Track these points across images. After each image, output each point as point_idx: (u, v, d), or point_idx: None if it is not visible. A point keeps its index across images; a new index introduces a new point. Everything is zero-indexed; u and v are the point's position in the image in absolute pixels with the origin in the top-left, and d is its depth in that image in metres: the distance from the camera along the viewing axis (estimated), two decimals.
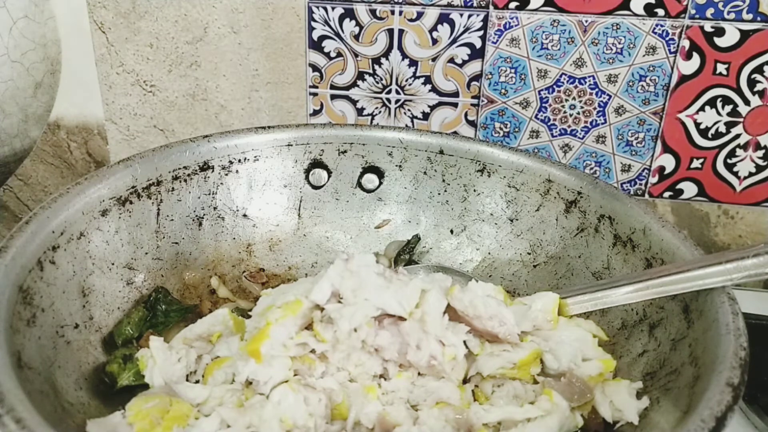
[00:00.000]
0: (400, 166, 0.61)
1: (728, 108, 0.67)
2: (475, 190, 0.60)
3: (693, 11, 0.64)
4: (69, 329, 0.43)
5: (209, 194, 0.57)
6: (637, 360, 0.45)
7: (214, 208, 0.57)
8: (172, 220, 0.54)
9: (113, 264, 0.49)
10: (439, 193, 0.61)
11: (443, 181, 0.60)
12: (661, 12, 0.64)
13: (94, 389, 0.43)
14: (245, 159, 0.58)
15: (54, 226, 0.44)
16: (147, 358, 0.44)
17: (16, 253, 0.40)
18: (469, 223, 0.60)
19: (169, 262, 0.54)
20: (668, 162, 0.71)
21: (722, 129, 0.68)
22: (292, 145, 0.60)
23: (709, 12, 0.64)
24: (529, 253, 0.57)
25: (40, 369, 0.38)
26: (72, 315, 0.44)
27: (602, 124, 0.70)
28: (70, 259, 0.45)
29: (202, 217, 0.57)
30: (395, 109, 0.73)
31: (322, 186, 0.61)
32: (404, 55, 0.70)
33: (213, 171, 0.57)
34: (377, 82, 0.71)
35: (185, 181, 0.55)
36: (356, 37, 0.70)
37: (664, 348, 0.43)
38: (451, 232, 0.61)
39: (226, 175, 0.58)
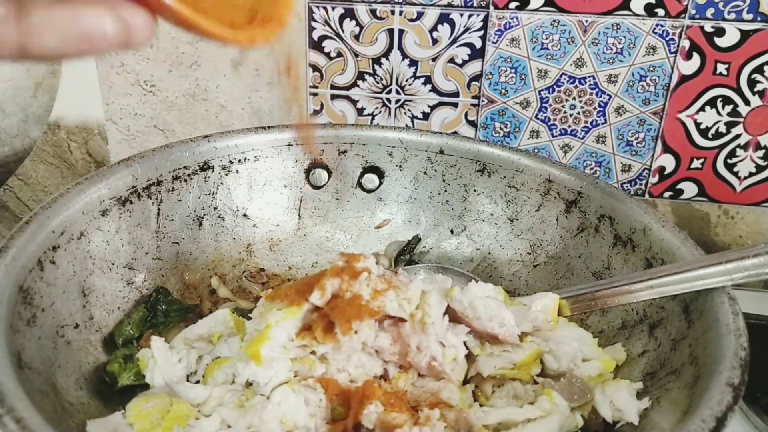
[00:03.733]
0: (400, 166, 0.61)
1: (728, 108, 0.67)
2: (475, 190, 0.60)
3: (693, 11, 0.64)
4: (69, 329, 0.43)
5: (209, 194, 0.57)
6: (637, 360, 0.45)
7: (215, 208, 0.57)
8: (173, 220, 0.54)
9: (113, 264, 0.49)
10: (439, 193, 0.61)
11: (443, 181, 0.60)
12: (661, 12, 0.64)
13: (94, 389, 0.43)
14: (245, 159, 0.58)
15: (54, 226, 0.44)
16: (147, 358, 0.44)
17: (16, 253, 0.40)
18: (469, 223, 0.60)
19: (170, 262, 0.54)
20: (668, 162, 0.71)
21: (722, 129, 0.68)
22: (292, 145, 0.60)
23: (710, 12, 0.64)
24: (529, 253, 0.57)
25: (40, 369, 0.38)
26: (72, 315, 0.44)
27: (602, 124, 0.70)
28: (71, 259, 0.45)
29: (203, 217, 0.57)
30: (395, 109, 0.72)
31: (322, 186, 0.61)
32: (404, 55, 0.70)
33: (213, 171, 0.57)
34: (377, 82, 0.71)
35: (185, 181, 0.55)
36: (356, 37, 0.70)
37: (664, 348, 0.43)
38: (451, 232, 0.61)
39: (227, 175, 0.58)
